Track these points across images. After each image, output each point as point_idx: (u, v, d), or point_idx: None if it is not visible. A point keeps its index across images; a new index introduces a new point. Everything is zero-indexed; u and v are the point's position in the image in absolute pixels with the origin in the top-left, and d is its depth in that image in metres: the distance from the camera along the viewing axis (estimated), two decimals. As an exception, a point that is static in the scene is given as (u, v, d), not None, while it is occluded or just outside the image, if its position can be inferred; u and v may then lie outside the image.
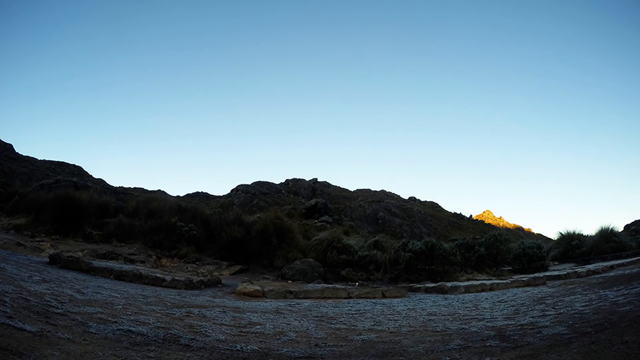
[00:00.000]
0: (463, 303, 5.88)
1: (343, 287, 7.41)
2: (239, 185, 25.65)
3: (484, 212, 34.43)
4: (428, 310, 5.23)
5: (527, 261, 11.29)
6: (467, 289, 7.46)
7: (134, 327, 3.07)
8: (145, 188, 25.17)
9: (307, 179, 28.49)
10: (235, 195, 23.85)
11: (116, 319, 3.25)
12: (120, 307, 3.83)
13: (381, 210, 22.44)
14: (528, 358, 2.64)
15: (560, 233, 14.69)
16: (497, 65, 63.48)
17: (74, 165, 27.44)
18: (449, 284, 7.71)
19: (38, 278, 4.60)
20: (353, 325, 4.11)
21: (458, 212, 29.25)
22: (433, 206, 29.67)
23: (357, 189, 30.12)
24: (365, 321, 4.39)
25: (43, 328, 2.58)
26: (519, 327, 3.65)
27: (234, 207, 18.90)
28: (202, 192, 26.97)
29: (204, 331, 3.30)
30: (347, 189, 29.58)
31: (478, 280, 9.06)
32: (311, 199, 23.04)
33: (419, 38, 62.82)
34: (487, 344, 3.09)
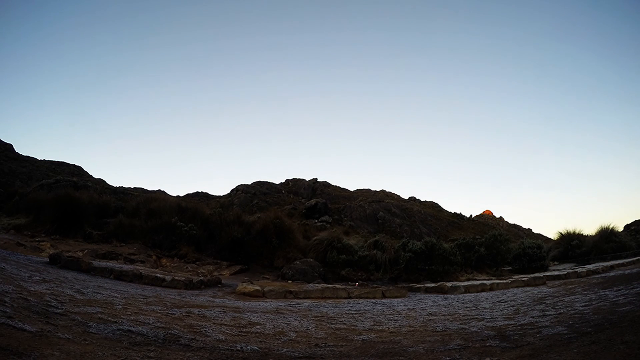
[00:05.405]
0: (463, 303, 5.88)
1: (343, 287, 7.41)
2: (239, 185, 25.67)
3: (484, 212, 34.40)
4: (428, 310, 5.23)
5: (527, 261, 11.29)
6: (467, 289, 7.46)
7: (134, 327, 3.07)
8: (145, 188, 25.16)
9: (307, 179, 28.51)
10: (235, 195, 23.87)
11: (116, 319, 3.25)
12: (120, 307, 3.83)
13: (381, 210, 22.44)
14: (528, 358, 2.64)
15: (560, 233, 14.69)
16: (497, 62, 63.43)
17: (74, 165, 27.42)
18: (449, 284, 7.71)
19: (38, 278, 4.60)
20: (353, 325, 4.11)
21: (458, 212, 29.22)
22: (433, 206, 29.65)
23: (357, 189, 30.12)
24: (365, 321, 4.39)
25: (43, 328, 2.58)
26: (519, 327, 3.65)
27: (234, 207, 18.91)
28: (202, 192, 26.97)
29: (204, 331, 3.30)
30: (347, 189, 29.58)
31: (478, 280, 9.06)
32: (311, 199, 23.05)
33: (420, 34, 62.69)
34: (487, 344, 3.09)
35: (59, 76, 59.15)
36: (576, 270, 8.82)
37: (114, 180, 40.51)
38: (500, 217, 33.82)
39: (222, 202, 21.77)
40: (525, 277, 8.49)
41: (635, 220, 19.35)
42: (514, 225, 32.56)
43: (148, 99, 66.79)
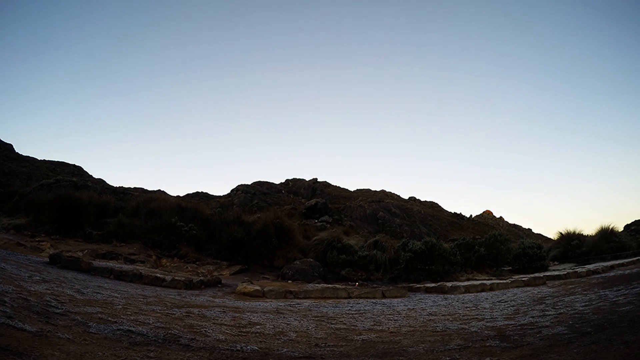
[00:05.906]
0: (463, 303, 5.88)
1: (343, 287, 7.41)
2: (239, 185, 25.65)
3: (484, 212, 34.37)
4: (428, 310, 5.23)
5: (527, 261, 11.28)
6: (467, 289, 7.46)
7: (134, 327, 3.07)
8: (145, 188, 25.09)
9: (307, 179, 28.48)
10: (235, 195, 23.85)
11: (116, 319, 3.25)
12: (120, 307, 3.83)
13: (381, 210, 22.43)
14: (528, 358, 2.64)
15: (560, 233, 14.68)
16: (497, 62, 63.38)
17: (74, 165, 27.36)
18: (449, 284, 7.72)
19: (38, 278, 4.60)
20: (353, 325, 4.11)
21: (458, 212, 29.18)
22: (433, 206, 29.62)
23: (357, 189, 30.08)
24: (365, 321, 4.39)
25: (43, 328, 2.58)
26: (519, 327, 3.65)
27: (234, 207, 18.90)
28: (202, 192, 26.93)
29: (204, 331, 3.30)
30: (347, 189, 29.56)
31: (478, 280, 9.06)
32: (311, 199, 23.04)
33: (420, 33, 62.63)
34: (487, 344, 3.09)
35: (60, 76, 59.15)
36: (576, 270, 8.82)
37: (114, 180, 40.45)
38: (500, 217, 33.79)
39: (222, 202, 21.76)
40: (525, 277, 8.49)
41: (635, 220, 19.32)
42: (514, 225, 32.55)
43: (148, 99, 66.76)
